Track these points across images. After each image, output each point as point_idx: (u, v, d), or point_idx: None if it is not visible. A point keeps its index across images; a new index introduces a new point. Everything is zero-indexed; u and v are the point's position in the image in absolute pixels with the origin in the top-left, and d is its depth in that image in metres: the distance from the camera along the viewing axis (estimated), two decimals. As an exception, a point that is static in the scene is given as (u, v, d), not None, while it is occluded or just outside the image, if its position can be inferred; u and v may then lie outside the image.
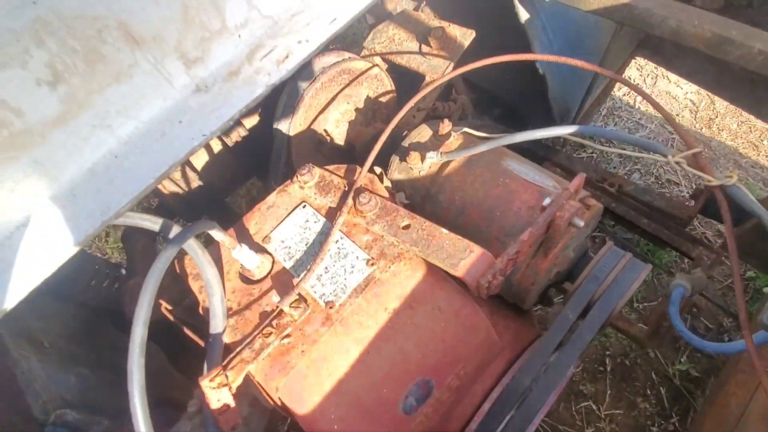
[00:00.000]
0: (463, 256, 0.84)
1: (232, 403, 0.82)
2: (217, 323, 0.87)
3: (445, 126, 1.19)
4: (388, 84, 1.59)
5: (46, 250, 0.64)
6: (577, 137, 0.96)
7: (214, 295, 0.87)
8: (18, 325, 1.32)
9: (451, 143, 1.18)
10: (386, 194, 1.04)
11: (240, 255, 0.91)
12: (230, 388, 0.81)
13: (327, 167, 1.12)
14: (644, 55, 2.15)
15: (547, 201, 0.90)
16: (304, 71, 1.36)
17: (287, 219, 1.03)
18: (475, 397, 0.99)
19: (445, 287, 0.89)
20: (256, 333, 0.85)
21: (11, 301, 0.66)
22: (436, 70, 1.52)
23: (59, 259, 0.66)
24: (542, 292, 1.12)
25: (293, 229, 1.01)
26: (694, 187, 2.38)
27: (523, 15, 1.67)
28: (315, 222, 1.01)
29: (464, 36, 1.54)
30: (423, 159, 1.15)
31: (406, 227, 0.92)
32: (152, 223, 0.87)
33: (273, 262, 0.98)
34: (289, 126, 1.40)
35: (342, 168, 1.12)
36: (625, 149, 1.06)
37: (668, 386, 1.89)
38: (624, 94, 2.83)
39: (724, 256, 1.65)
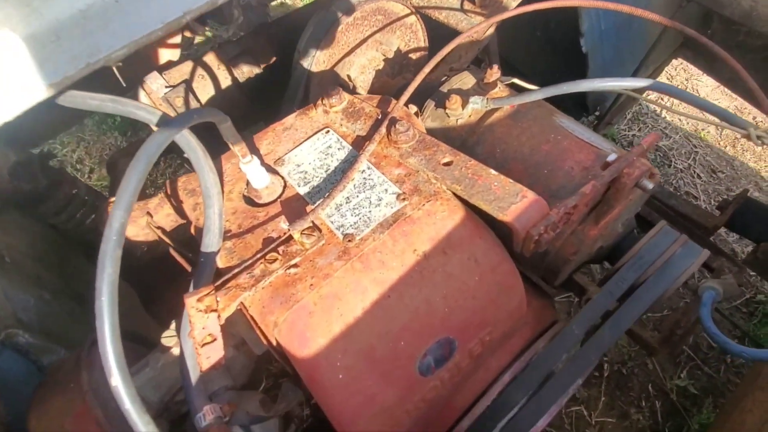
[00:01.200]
0: (514, 201, 0.71)
1: (219, 336, 0.68)
2: (212, 240, 0.72)
3: (493, 73, 1.06)
4: (422, 38, 1.45)
5: (14, 89, 0.49)
6: (652, 91, 0.84)
7: (211, 207, 0.72)
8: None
9: (497, 93, 1.05)
10: (423, 129, 0.91)
11: (249, 168, 0.77)
12: (219, 317, 0.67)
13: (357, 95, 0.99)
14: (686, 56, 2.04)
15: (612, 156, 0.77)
16: (336, 2, 1.22)
17: (306, 142, 0.89)
18: (490, 372, 0.87)
19: (485, 237, 0.76)
20: (257, 257, 0.71)
21: None
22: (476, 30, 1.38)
23: (28, 100, 0.52)
24: (576, 268, 1.00)
25: (312, 154, 0.87)
26: (713, 202, 2.31)
27: (577, -16, 1.55)
28: (339, 149, 0.87)
29: None
30: (464, 105, 1.02)
31: (448, 164, 0.79)
32: (148, 113, 0.73)
33: (285, 186, 0.84)
34: (312, 61, 1.26)
35: (375, 98, 0.98)
36: (696, 116, 0.93)
37: (664, 400, 1.81)
38: (653, 100, 2.74)
39: (747, 270, 1.56)
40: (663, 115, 2.67)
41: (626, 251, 0.93)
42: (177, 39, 1.25)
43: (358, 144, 0.87)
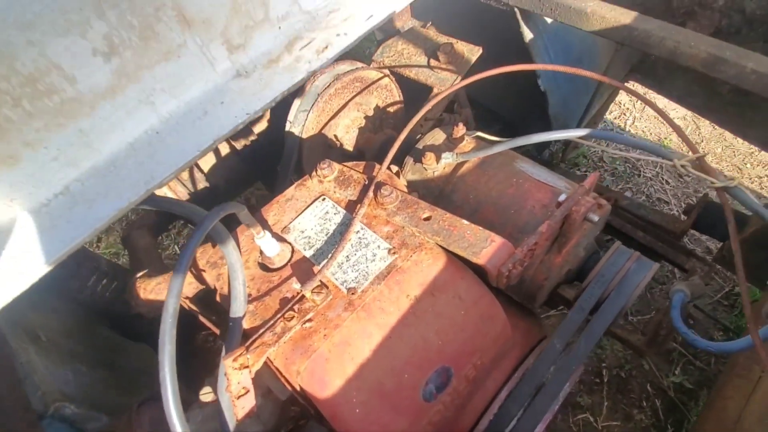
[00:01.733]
0: (484, 245, 0.87)
1: (251, 388, 0.81)
2: (238, 306, 0.87)
3: (459, 129, 1.24)
4: (397, 95, 1.66)
5: (86, 215, 0.64)
6: (589, 140, 1.01)
7: (237, 279, 0.87)
8: (16, 318, 1.29)
9: (465, 146, 1.23)
10: (405, 189, 1.07)
11: (262, 241, 0.92)
12: (250, 371, 0.80)
13: (345, 164, 1.15)
14: (637, 78, 2.27)
15: (562, 197, 0.94)
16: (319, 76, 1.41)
17: (307, 210, 1.05)
18: (488, 392, 1.00)
19: (465, 277, 0.91)
20: (277, 317, 0.85)
21: (51, 261, 0.66)
22: (444, 83, 1.58)
23: (99, 223, 0.67)
24: (551, 290, 1.15)
25: (313, 220, 1.03)
26: (683, 205, 2.48)
27: (527, 35, 1.77)
28: (335, 213, 1.03)
29: (471, 52, 1.62)
30: (438, 160, 1.19)
31: (428, 218, 0.95)
32: (183, 208, 0.88)
33: (292, 251, 0.99)
34: (302, 128, 1.44)
35: (360, 165, 1.15)
36: (630, 153, 1.10)
37: (663, 398, 1.92)
38: (615, 118, 2.96)
39: (717, 267, 1.71)
40: (628, 129, 2.88)
41: (591, 270, 1.08)
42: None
43: (351, 207, 1.03)
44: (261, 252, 0.97)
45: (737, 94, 1.82)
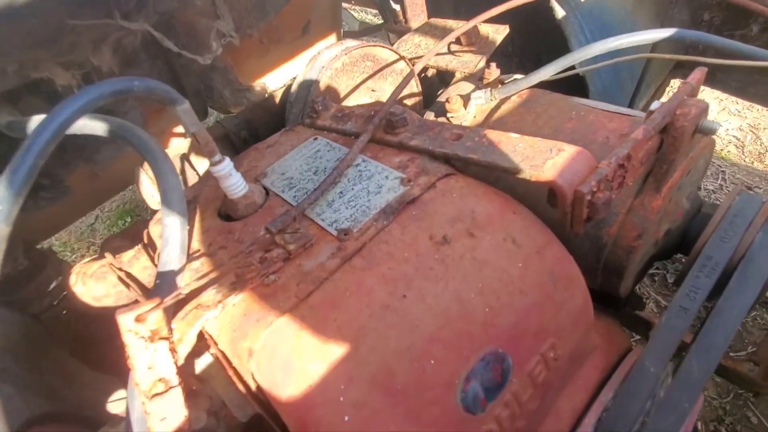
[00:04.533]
0: (549, 156, 0.55)
1: (176, 383, 0.48)
2: (170, 255, 0.56)
3: (492, 71, 0.98)
4: (415, 85, 1.44)
5: None
6: (679, 39, 0.72)
7: (171, 214, 0.57)
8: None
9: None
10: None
11: (220, 170, 0.64)
12: (174, 350, 0.48)
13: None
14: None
15: (656, 104, 0.63)
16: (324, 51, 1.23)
17: (292, 152, 0.78)
18: (561, 420, 0.62)
19: (519, 212, 0.59)
20: (226, 270, 0.54)
21: None
22: (468, 65, 1.37)
23: None
24: (643, 270, 0.79)
25: (299, 161, 0.75)
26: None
27: (559, 12, 1.57)
28: (329, 150, 0.75)
29: (497, 31, 1.41)
30: (466, 104, 0.92)
31: (458, 136, 0.65)
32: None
33: (267, 195, 0.70)
34: (302, 107, 1.22)
35: (364, 105, 0.89)
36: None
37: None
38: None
39: None
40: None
41: (699, 234, 0.73)
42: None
43: (352, 143, 0.75)
44: (223, 197, 0.69)
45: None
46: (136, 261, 0.82)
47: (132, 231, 1.41)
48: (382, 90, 1.37)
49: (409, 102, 1.42)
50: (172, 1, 0.77)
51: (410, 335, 0.49)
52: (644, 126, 0.58)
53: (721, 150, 2.49)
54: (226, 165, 0.64)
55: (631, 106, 1.91)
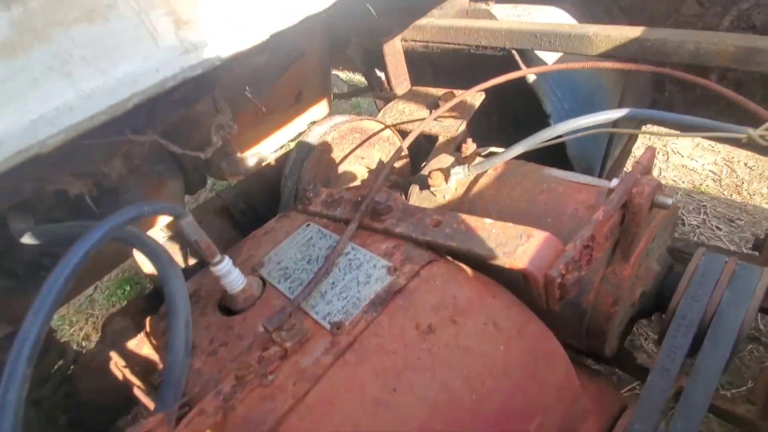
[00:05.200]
0: (519, 242, 0.61)
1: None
2: (176, 360, 0.60)
3: (468, 146, 1.06)
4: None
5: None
6: (631, 124, 0.80)
7: (177, 316, 0.62)
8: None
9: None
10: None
11: (220, 269, 0.69)
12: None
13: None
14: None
15: (614, 182, 0.70)
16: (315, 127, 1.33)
17: (286, 240, 0.83)
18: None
19: (498, 295, 0.63)
20: (227, 372, 0.58)
21: None
22: (449, 130, 1.47)
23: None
24: (627, 328, 0.82)
25: (293, 249, 0.80)
26: (743, 249, 2.11)
27: (530, 76, 1.70)
28: (321, 238, 0.80)
29: (474, 98, 1.53)
30: (447, 178, 0.99)
31: (437, 223, 0.71)
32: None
33: (264, 286, 0.75)
34: (296, 180, 1.30)
35: (352, 187, 0.96)
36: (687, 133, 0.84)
37: None
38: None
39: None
40: (658, 175, 2.66)
41: (672, 294, 0.77)
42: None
43: (341, 230, 0.80)
44: (223, 292, 0.73)
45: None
46: (139, 350, 0.85)
47: (132, 308, 1.43)
48: (370, 157, 1.46)
49: (398, 165, 1.51)
50: (178, 111, 0.85)
51: (402, 428, 0.52)
52: (603, 207, 0.64)
53: (700, 185, 2.59)
54: (225, 264, 0.70)
55: (606, 153, 2.02)
